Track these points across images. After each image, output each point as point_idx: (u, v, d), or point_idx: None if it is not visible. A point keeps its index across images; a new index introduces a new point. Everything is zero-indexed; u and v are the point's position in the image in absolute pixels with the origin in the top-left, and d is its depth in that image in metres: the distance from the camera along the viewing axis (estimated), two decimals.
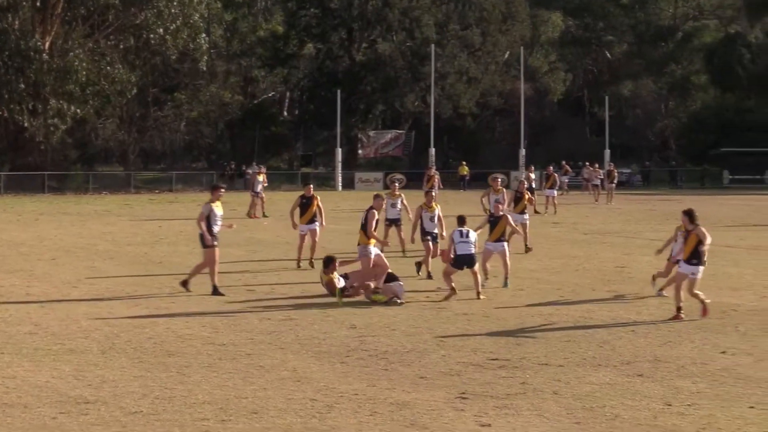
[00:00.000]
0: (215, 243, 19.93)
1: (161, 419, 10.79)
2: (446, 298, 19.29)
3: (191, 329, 16.11)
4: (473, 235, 19.86)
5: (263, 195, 43.70)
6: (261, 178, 43.97)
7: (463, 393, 11.98)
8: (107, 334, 15.68)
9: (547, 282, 22.06)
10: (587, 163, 66.27)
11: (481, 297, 19.38)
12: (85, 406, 11.32)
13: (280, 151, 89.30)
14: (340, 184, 74.89)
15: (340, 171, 76.06)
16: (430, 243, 22.97)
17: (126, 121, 78.96)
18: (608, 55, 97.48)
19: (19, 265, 25.01)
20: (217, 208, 20.18)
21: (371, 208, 20.69)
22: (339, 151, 76.35)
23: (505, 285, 20.55)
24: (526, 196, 29.11)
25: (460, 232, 19.87)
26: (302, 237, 24.81)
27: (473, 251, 19.70)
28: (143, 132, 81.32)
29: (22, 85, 65.46)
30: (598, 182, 58.00)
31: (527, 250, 27.70)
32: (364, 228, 20.11)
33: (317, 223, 24.90)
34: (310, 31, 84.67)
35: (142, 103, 79.25)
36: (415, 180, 65.25)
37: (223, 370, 13.16)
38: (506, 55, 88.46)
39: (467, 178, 73.27)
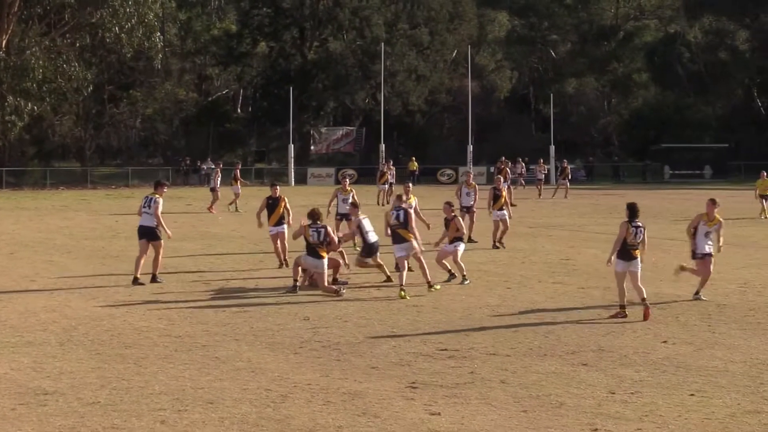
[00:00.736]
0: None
1: (118, 410, 10.89)
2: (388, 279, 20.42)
3: (148, 321, 16.24)
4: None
5: (239, 191, 44.74)
6: (219, 173, 45.52)
7: (414, 382, 12.13)
8: (65, 326, 15.78)
9: (495, 274, 22.27)
10: (519, 159, 66.82)
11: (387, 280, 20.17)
12: (44, 397, 11.41)
13: (234, 148, 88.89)
14: (293, 179, 74.88)
15: (292, 167, 76.09)
16: None
17: (82, 118, 78.50)
18: (553, 53, 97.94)
19: None
20: None
21: (400, 207, 20.20)
22: (291, 147, 76.39)
23: (463, 282, 20.49)
24: (504, 194, 29.42)
25: (369, 220, 21.05)
26: (274, 238, 24.03)
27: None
28: (99, 128, 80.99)
29: None
30: (542, 177, 58.41)
31: (495, 245, 28.01)
32: (406, 226, 19.63)
33: (285, 225, 24.07)
34: (263, 30, 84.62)
35: (98, 100, 78.86)
36: (367, 175, 65.54)
37: (180, 362, 13.27)
38: (454, 54, 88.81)
39: (416, 173, 73.51)
